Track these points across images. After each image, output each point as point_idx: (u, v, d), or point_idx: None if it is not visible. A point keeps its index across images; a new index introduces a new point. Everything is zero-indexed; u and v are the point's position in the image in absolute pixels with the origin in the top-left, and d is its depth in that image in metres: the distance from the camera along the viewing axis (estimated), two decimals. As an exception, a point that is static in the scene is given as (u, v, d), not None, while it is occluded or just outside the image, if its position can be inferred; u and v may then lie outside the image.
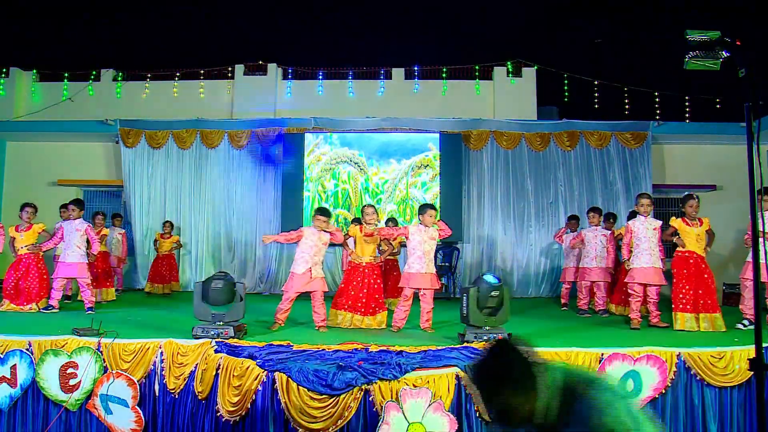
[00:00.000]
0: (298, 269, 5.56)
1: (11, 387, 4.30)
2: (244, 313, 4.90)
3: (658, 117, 10.23)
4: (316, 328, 5.55)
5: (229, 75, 10.86)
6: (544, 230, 9.92)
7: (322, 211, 5.74)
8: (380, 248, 6.36)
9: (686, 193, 5.96)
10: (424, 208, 5.67)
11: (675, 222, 5.80)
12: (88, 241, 6.78)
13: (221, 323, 4.65)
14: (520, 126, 10.10)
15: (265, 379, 3.83)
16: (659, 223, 6.01)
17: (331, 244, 5.91)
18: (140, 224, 10.15)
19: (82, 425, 4.27)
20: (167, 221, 9.37)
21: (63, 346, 4.35)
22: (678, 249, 5.78)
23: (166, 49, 12.15)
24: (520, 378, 1.40)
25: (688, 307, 5.55)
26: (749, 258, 5.68)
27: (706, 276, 5.61)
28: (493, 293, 4.58)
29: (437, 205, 9.74)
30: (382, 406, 3.70)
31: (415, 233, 5.56)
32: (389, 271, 7.41)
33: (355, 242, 6.20)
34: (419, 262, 5.49)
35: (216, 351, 4.16)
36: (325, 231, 5.67)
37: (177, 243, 9.34)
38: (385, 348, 4.23)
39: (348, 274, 6.13)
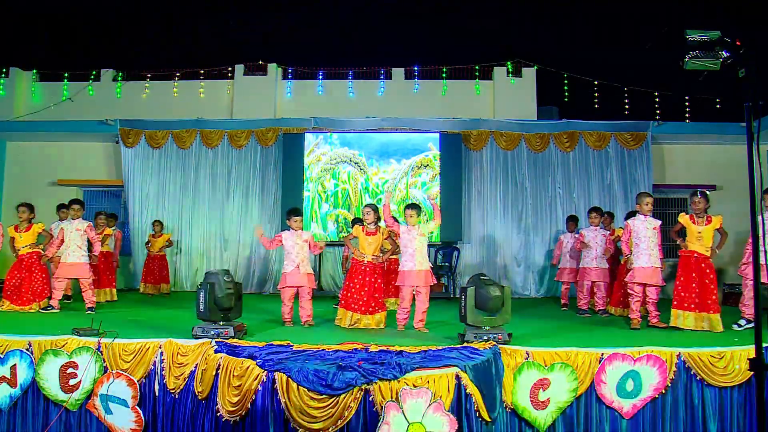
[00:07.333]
0: (288, 269, 5.81)
1: (11, 387, 4.30)
2: (241, 313, 4.92)
3: (657, 117, 10.23)
4: (302, 323, 5.69)
5: (229, 75, 10.87)
6: (543, 231, 9.94)
7: (296, 212, 5.95)
8: (383, 249, 6.38)
9: (692, 191, 5.89)
10: (405, 208, 5.98)
11: (683, 218, 5.77)
12: (89, 241, 6.76)
13: (221, 323, 4.66)
14: (519, 126, 10.12)
15: (265, 379, 3.82)
16: (659, 222, 5.97)
17: (333, 244, 5.92)
18: (140, 224, 10.15)
19: (82, 425, 4.27)
20: (156, 221, 9.30)
21: (63, 346, 4.35)
22: (681, 249, 5.79)
23: (166, 49, 12.14)
24: None
25: (685, 305, 5.54)
26: (746, 259, 5.68)
27: (706, 276, 5.58)
28: (493, 293, 4.52)
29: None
30: (382, 406, 3.69)
31: (404, 232, 5.79)
32: (392, 271, 7.40)
33: (358, 241, 6.25)
34: (411, 259, 5.67)
35: (216, 351, 4.15)
36: (302, 231, 5.91)
37: (168, 241, 9.21)
38: (385, 348, 4.22)
39: (350, 272, 6.20)
